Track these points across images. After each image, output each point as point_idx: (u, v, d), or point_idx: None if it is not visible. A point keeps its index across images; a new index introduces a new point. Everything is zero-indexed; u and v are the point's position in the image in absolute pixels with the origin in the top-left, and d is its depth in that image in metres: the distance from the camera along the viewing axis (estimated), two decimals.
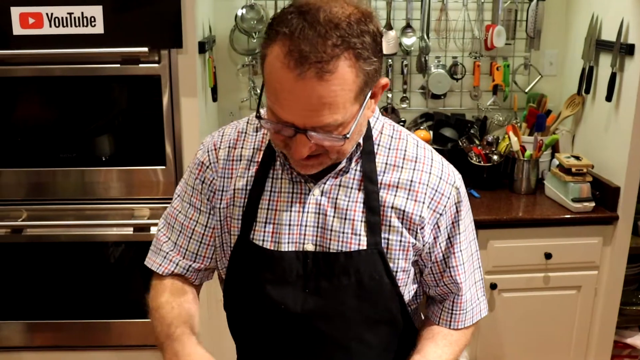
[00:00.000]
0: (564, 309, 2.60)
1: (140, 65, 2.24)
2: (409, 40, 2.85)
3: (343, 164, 1.20)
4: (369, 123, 1.22)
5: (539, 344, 2.64)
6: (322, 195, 1.21)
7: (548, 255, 2.50)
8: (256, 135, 1.27)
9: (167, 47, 2.23)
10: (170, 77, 2.25)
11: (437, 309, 1.35)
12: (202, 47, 2.36)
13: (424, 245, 1.24)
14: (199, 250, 1.32)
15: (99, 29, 2.18)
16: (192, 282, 1.37)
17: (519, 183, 2.73)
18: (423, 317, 1.42)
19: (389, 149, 1.24)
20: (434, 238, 1.25)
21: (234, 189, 1.25)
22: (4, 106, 2.34)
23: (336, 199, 1.21)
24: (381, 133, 1.26)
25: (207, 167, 1.28)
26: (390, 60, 2.88)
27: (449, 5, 2.84)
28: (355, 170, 1.22)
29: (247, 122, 1.30)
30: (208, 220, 1.29)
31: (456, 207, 1.26)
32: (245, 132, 1.28)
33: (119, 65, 2.24)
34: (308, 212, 1.21)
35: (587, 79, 2.69)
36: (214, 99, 2.68)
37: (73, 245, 2.44)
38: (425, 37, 2.84)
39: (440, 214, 1.24)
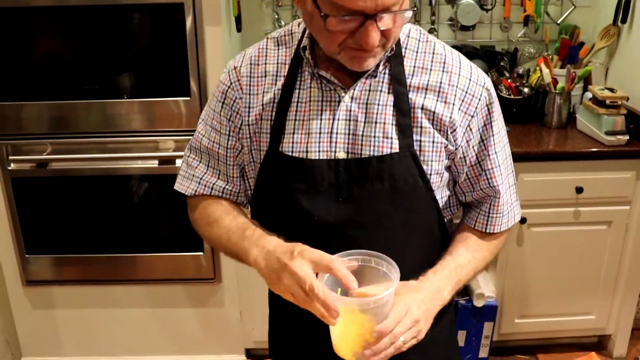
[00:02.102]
0: (594, 244, 2.56)
1: None
2: None
3: (371, 66, 1.17)
4: None
5: (567, 279, 2.62)
6: (352, 101, 1.20)
7: (579, 190, 2.45)
8: (278, 50, 1.26)
9: None
10: (194, 4, 2.19)
11: (474, 213, 1.33)
12: None
13: (456, 149, 1.22)
14: (227, 170, 1.32)
15: None
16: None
17: (550, 117, 2.65)
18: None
19: (417, 52, 1.23)
20: (467, 141, 1.23)
21: (262, 104, 1.24)
22: (23, 37, 2.29)
23: (366, 103, 1.20)
24: (408, 37, 1.24)
25: (229, 87, 1.28)
26: None
27: None
28: (384, 74, 1.20)
29: (268, 38, 1.29)
30: (228, 141, 1.29)
31: (488, 109, 1.23)
32: (267, 48, 1.28)
33: None
34: (339, 119, 1.20)
35: (623, 8, 2.58)
36: (238, 30, 2.61)
37: (98, 179, 2.43)
38: None
39: (472, 116, 1.21)
